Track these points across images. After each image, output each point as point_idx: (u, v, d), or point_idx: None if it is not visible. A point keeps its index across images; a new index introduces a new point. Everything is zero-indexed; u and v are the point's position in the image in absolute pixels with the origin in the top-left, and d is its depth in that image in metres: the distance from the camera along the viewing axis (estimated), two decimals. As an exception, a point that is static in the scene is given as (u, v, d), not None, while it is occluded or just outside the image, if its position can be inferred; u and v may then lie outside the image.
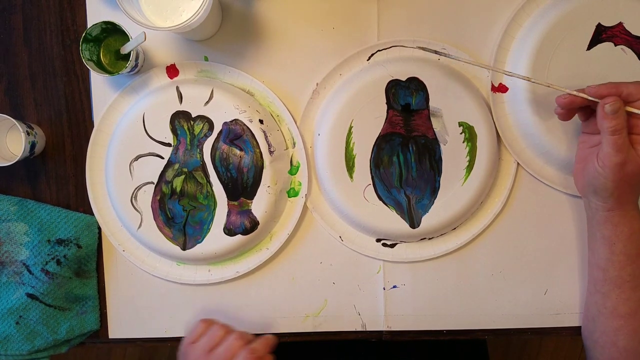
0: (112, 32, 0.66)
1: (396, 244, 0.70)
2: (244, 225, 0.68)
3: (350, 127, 0.67)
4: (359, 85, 0.67)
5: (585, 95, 0.58)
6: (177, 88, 0.68)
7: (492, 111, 0.68)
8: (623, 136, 0.56)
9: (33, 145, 0.67)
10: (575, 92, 0.58)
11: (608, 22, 0.65)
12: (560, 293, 0.70)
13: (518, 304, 0.71)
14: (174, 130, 0.68)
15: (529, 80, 0.61)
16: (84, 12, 0.70)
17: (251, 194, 0.68)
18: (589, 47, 0.66)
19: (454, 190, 0.68)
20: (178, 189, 0.68)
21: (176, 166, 0.68)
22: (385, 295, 0.71)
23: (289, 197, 0.70)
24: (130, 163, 0.68)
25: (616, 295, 0.61)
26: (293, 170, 0.70)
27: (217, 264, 0.71)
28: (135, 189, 0.68)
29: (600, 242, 0.62)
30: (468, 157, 0.68)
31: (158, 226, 0.69)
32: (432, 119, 0.67)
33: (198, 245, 0.68)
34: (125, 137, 0.68)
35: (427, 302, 0.71)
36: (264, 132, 0.67)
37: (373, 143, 0.68)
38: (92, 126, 0.71)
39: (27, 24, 0.70)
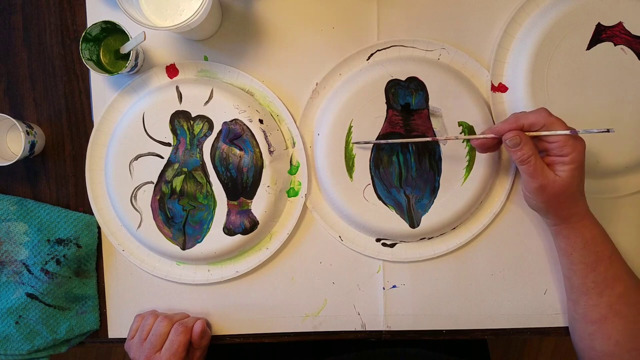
0: (112, 31, 0.66)
1: (396, 243, 0.70)
2: (244, 225, 0.68)
3: (350, 127, 0.67)
4: (358, 85, 0.67)
5: (490, 135, 0.61)
6: (177, 88, 0.68)
7: (492, 111, 0.68)
8: (533, 163, 0.58)
9: (33, 145, 0.67)
10: (482, 136, 0.62)
11: (608, 22, 0.65)
12: (560, 293, 0.70)
13: (518, 304, 0.71)
14: (173, 130, 0.68)
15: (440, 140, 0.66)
16: (83, 11, 0.70)
17: (251, 194, 0.68)
18: (589, 47, 0.66)
19: (454, 190, 0.68)
20: (178, 189, 0.68)
21: (176, 166, 0.68)
22: (385, 295, 0.71)
23: (288, 196, 0.70)
24: (130, 163, 0.68)
25: (584, 302, 0.62)
26: (293, 170, 0.70)
27: (216, 263, 0.71)
28: (135, 188, 0.68)
29: (560, 253, 0.64)
30: (468, 157, 0.68)
31: (158, 226, 0.69)
32: (431, 118, 0.67)
33: (198, 245, 0.68)
34: (125, 137, 0.68)
35: (426, 302, 0.71)
36: (263, 131, 0.67)
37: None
38: (92, 126, 0.71)
39: (27, 24, 0.70)
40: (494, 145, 0.62)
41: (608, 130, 0.56)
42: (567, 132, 0.57)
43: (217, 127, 0.67)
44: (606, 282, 0.61)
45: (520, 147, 0.58)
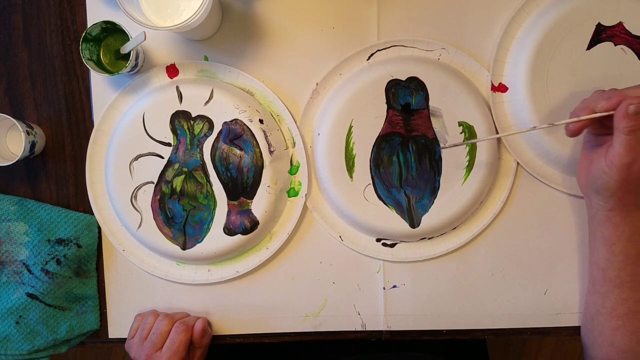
0: (112, 31, 0.66)
1: (396, 243, 0.70)
2: (244, 225, 0.68)
3: (350, 127, 0.67)
4: (358, 85, 0.67)
5: (597, 115, 0.57)
6: (177, 88, 0.68)
7: (492, 111, 0.68)
8: (637, 137, 0.56)
9: (33, 145, 0.67)
10: (585, 117, 0.58)
11: (608, 22, 0.65)
12: (560, 293, 0.70)
13: (518, 304, 0.71)
14: (174, 130, 0.68)
15: (533, 130, 0.63)
16: (84, 11, 0.70)
17: (251, 194, 0.68)
18: (589, 47, 0.66)
19: (454, 190, 0.68)
20: (178, 189, 0.68)
21: (176, 166, 0.68)
22: (385, 295, 0.71)
23: (289, 196, 0.70)
24: (130, 163, 0.68)
25: (615, 296, 0.61)
26: (293, 170, 0.70)
27: (216, 263, 0.71)
28: (135, 188, 0.68)
29: (600, 242, 0.62)
30: (468, 157, 0.68)
31: (158, 226, 0.69)
32: (432, 118, 0.67)
33: (198, 245, 0.68)
34: (125, 137, 0.68)
35: (427, 302, 0.71)
36: (263, 131, 0.67)
37: (373, 143, 0.68)
38: (92, 126, 0.71)
39: (27, 24, 0.70)
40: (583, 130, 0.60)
41: None
42: None
43: (217, 127, 0.67)
44: None
45: (638, 116, 0.55)
